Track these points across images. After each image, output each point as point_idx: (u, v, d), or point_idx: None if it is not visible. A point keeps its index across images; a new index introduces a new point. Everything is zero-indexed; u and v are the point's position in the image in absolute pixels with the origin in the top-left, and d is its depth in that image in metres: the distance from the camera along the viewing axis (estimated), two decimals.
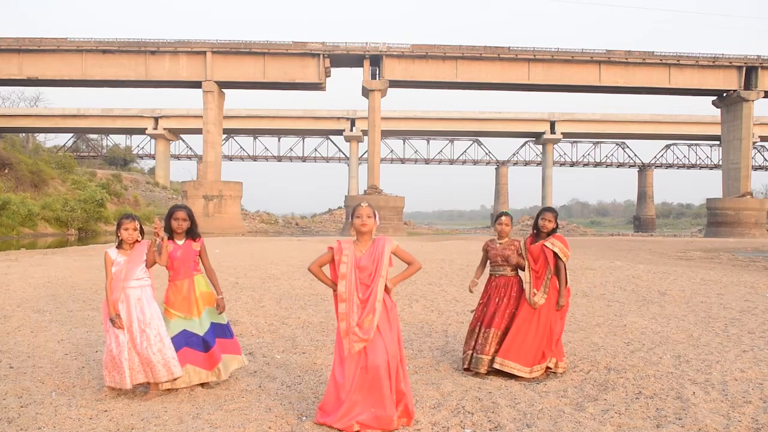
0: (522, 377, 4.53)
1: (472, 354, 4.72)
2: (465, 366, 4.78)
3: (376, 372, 3.43)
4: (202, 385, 4.21)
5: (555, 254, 4.69)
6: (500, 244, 4.88)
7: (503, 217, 4.89)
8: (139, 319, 3.99)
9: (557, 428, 3.51)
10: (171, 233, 4.22)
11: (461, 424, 3.58)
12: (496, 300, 4.79)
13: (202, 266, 4.34)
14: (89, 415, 3.67)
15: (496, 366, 4.57)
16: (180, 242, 4.22)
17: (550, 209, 4.90)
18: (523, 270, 4.79)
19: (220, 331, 4.27)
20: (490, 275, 4.94)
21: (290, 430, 3.49)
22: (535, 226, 4.86)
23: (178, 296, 4.15)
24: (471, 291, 5.04)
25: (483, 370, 4.63)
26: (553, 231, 4.80)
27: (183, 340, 4.11)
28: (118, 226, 4.11)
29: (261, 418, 3.63)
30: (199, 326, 4.16)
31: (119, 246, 4.13)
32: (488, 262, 4.97)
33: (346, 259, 3.58)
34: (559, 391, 4.27)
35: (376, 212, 3.68)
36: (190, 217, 4.25)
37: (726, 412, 3.79)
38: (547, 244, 4.72)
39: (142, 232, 4.18)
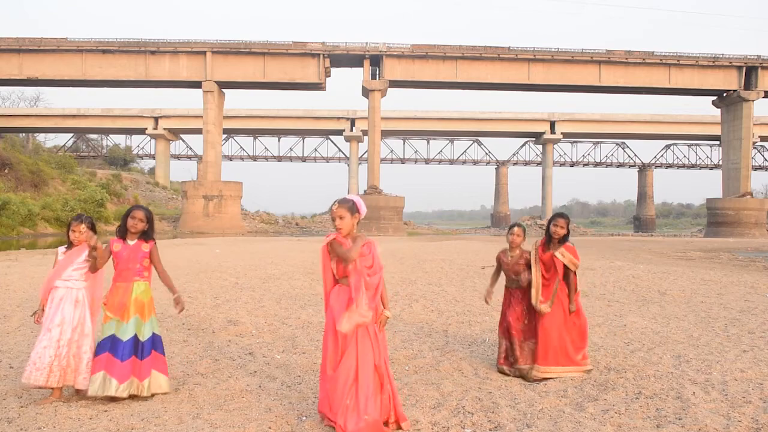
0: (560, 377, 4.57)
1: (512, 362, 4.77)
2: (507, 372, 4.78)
3: (366, 377, 3.37)
4: (111, 399, 3.88)
5: (564, 265, 4.73)
6: (511, 257, 4.90)
7: (515, 228, 4.88)
8: (50, 318, 3.95)
9: (557, 428, 3.51)
10: (125, 232, 4.11)
11: (461, 424, 3.58)
12: (516, 308, 4.82)
13: (152, 272, 4.18)
14: (89, 415, 3.67)
15: (542, 375, 4.58)
16: (131, 242, 4.10)
17: (562, 215, 4.86)
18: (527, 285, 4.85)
19: (138, 348, 3.99)
20: (507, 287, 4.97)
21: (290, 430, 3.48)
22: (547, 231, 4.85)
23: (115, 299, 4.01)
24: (487, 303, 5.06)
25: (529, 376, 4.63)
26: (565, 237, 4.80)
27: (107, 345, 3.92)
28: (68, 227, 4.11)
29: (261, 418, 3.63)
30: (124, 332, 3.95)
31: (69, 247, 4.13)
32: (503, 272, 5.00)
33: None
34: (559, 391, 4.27)
35: (356, 204, 3.51)
36: (149, 219, 4.13)
37: (726, 412, 3.79)
38: (557, 254, 4.73)
39: (94, 229, 4.13)
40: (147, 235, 4.14)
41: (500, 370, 4.81)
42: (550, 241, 4.83)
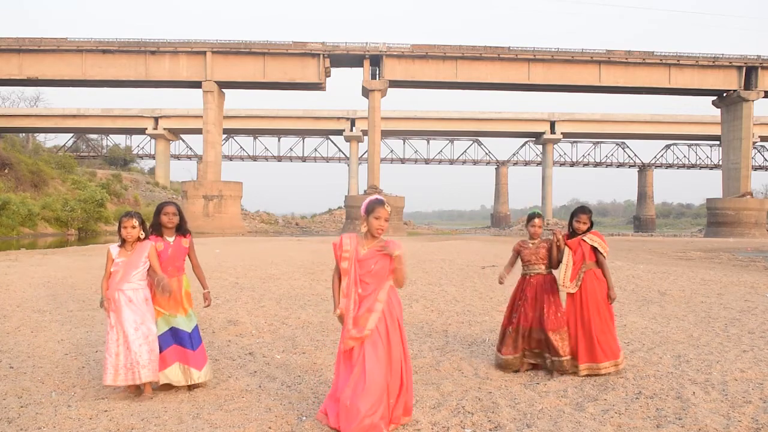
0: (610, 372, 4.55)
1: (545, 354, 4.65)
2: (516, 370, 4.70)
3: (373, 379, 3.30)
4: (190, 387, 4.13)
5: (594, 248, 4.66)
6: (533, 244, 4.83)
7: (536, 219, 4.80)
8: (132, 319, 3.97)
9: (557, 428, 3.51)
10: (160, 230, 4.17)
11: (461, 424, 3.58)
12: (543, 299, 4.68)
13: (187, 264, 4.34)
14: (89, 415, 3.67)
15: (587, 372, 4.53)
16: (170, 239, 4.17)
17: (584, 209, 4.76)
18: (557, 266, 4.74)
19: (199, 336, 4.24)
20: (524, 275, 4.85)
21: (290, 430, 3.48)
22: (570, 226, 4.78)
23: (166, 294, 4.09)
24: (501, 283, 4.99)
25: (569, 369, 4.58)
26: (589, 230, 4.75)
27: (171, 338, 4.08)
28: (119, 224, 4.09)
29: (261, 418, 3.63)
30: (186, 324, 4.12)
31: (122, 245, 4.11)
32: (520, 262, 4.90)
33: (347, 255, 3.47)
34: (559, 391, 4.27)
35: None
36: (180, 212, 4.22)
37: (726, 412, 3.79)
38: (586, 239, 4.68)
39: (144, 227, 4.12)
40: (182, 228, 4.23)
41: (504, 361, 4.71)
42: (573, 236, 4.77)
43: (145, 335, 3.98)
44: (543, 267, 4.78)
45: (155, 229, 4.18)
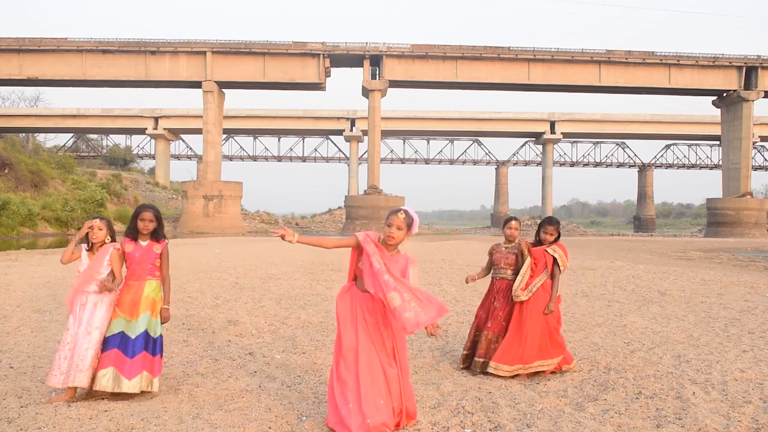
0: (511, 377, 4.55)
1: (468, 355, 4.87)
2: (462, 366, 4.89)
3: (367, 378, 3.33)
4: (116, 395, 3.95)
5: (554, 260, 4.72)
6: (506, 248, 4.88)
7: (512, 222, 4.88)
8: (87, 322, 3.96)
9: (557, 428, 3.51)
10: (135, 234, 4.09)
11: (461, 424, 3.58)
12: (494, 303, 4.83)
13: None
14: (89, 415, 3.66)
15: (490, 370, 4.59)
16: (143, 243, 4.09)
17: (551, 221, 4.83)
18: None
19: (149, 343, 4.01)
20: (492, 278, 4.96)
21: (290, 430, 3.48)
22: (537, 235, 4.84)
23: (127, 297, 4.02)
24: (467, 282, 5.10)
25: (477, 371, 4.71)
26: (555, 242, 4.81)
27: (117, 342, 3.93)
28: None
29: (261, 418, 3.63)
30: (133, 330, 3.97)
31: (90, 248, 4.14)
32: (492, 265, 4.96)
33: (376, 254, 3.37)
34: (559, 391, 4.27)
35: (415, 221, 3.46)
36: (158, 218, 4.11)
37: (726, 412, 3.79)
38: (549, 249, 4.74)
39: (111, 233, 4.14)
40: (158, 234, 4.13)
41: (475, 363, 4.78)
42: (540, 245, 4.83)
43: (97, 341, 3.93)
44: (510, 272, 4.83)
45: (131, 232, 4.10)
